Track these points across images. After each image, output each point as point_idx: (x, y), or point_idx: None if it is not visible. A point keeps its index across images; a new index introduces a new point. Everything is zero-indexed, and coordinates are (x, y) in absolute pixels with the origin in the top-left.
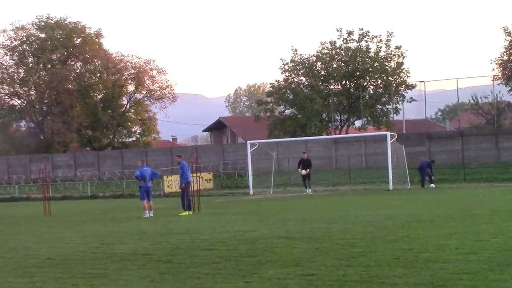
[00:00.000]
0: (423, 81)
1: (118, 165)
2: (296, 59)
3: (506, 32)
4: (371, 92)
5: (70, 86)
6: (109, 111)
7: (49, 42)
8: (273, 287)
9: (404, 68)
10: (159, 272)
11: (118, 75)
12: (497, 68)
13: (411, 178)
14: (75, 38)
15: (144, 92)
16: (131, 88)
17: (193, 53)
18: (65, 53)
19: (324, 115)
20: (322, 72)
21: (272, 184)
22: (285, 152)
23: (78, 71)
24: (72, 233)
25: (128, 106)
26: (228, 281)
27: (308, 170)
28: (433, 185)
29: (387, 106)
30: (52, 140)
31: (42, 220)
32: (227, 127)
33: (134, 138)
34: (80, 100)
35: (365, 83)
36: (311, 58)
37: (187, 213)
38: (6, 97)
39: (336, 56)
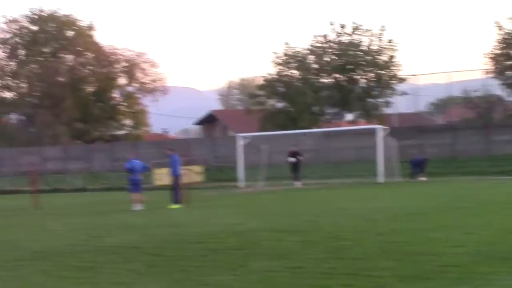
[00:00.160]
0: (415, 75)
1: (109, 158)
2: (288, 52)
3: (499, 27)
4: (363, 85)
5: (61, 79)
6: (101, 104)
7: (41, 35)
8: (261, 280)
9: (396, 62)
10: (147, 265)
11: (110, 68)
12: (489, 62)
13: (402, 171)
14: (67, 31)
15: (136, 85)
16: (123, 81)
17: (185, 46)
18: (57, 46)
19: (316, 108)
20: (314, 66)
21: (262, 177)
22: (276, 145)
23: (70, 64)
24: (60, 226)
25: (119, 99)
26: (216, 273)
27: (296, 159)
28: (424, 178)
29: (379, 100)
30: (43, 133)
31: (31, 213)
32: (218, 120)
33: (125, 131)
34: (72, 93)
35: (357, 77)
36: (303, 52)
37: (177, 206)
38: None
39: (329, 50)
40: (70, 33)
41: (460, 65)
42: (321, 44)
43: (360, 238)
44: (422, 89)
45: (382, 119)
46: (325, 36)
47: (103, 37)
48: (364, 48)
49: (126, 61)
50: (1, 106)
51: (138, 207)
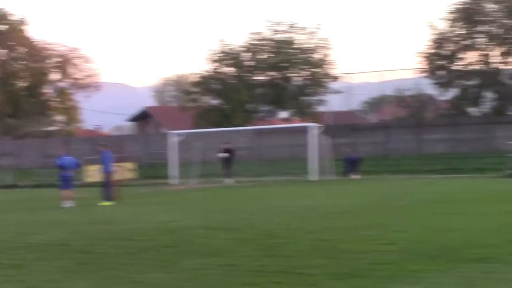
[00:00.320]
0: (348, 73)
1: (40, 155)
2: (223, 49)
3: (432, 27)
4: (297, 83)
5: None
6: (32, 99)
7: None
8: (192, 277)
9: (330, 60)
10: (77, 262)
11: (42, 63)
12: (421, 61)
13: (336, 169)
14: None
15: (68, 80)
16: (55, 76)
17: (118, 42)
18: None
19: (250, 106)
20: (250, 63)
21: (195, 174)
22: (210, 142)
23: (2, 58)
24: None
25: (52, 95)
26: (147, 271)
27: (229, 155)
28: (358, 176)
29: (313, 98)
30: None
31: None
32: (152, 117)
33: (57, 127)
34: (3, 87)
35: (291, 75)
36: (238, 49)
37: (108, 203)
38: None
39: (264, 48)
40: (2, 28)
41: (393, 64)
42: (257, 41)
43: (293, 236)
44: (356, 87)
45: (316, 117)
46: (260, 34)
47: (36, 32)
48: (298, 46)
49: (59, 56)
50: None
51: (68, 204)
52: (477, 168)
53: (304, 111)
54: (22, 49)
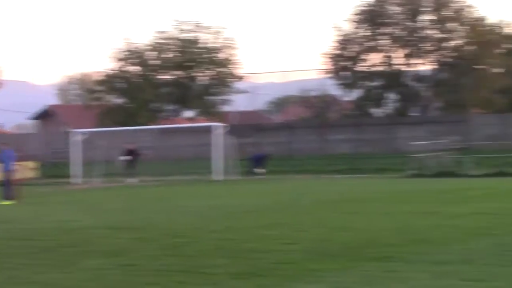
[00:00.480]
0: (254, 73)
1: None
2: (129, 48)
3: (337, 28)
4: (202, 83)
5: None
6: None
7: None
8: (92, 278)
9: (234, 60)
10: None
11: None
12: (326, 62)
13: (241, 169)
14: None
15: None
16: None
17: (19, 38)
18: None
19: (155, 105)
20: (155, 62)
21: (98, 173)
22: (114, 141)
23: None
24: None
25: None
26: (47, 271)
27: (132, 156)
28: (262, 176)
29: (218, 97)
30: None
31: None
32: (55, 115)
33: None
34: None
35: (196, 74)
36: (144, 48)
37: (8, 203)
38: None
39: (169, 47)
40: None
41: (298, 65)
42: (162, 40)
43: (196, 236)
44: (261, 87)
45: (221, 117)
46: (165, 33)
47: None
48: (204, 45)
49: None
50: None
51: None
52: (380, 169)
53: (209, 111)
54: None
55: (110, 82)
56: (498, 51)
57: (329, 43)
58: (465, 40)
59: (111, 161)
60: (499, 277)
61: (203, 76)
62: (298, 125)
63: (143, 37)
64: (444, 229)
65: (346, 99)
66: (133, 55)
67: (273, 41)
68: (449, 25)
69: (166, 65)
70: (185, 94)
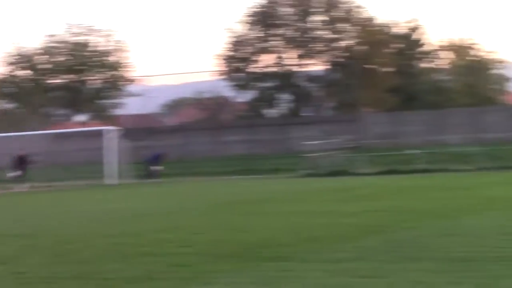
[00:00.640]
0: (147, 76)
1: None
2: (18, 52)
3: (230, 30)
4: (94, 86)
5: None
6: None
7: None
8: None
9: (126, 63)
10: None
11: None
12: (219, 64)
13: (135, 172)
14: None
15: None
16: None
17: None
18: None
19: (46, 109)
20: (45, 66)
21: None
22: (4, 147)
23: None
24: None
25: None
26: None
27: (20, 172)
28: (161, 168)
29: (110, 101)
30: None
31: None
32: None
33: None
34: None
35: (87, 78)
36: (34, 51)
37: None
38: None
39: (60, 50)
40: None
41: (192, 67)
42: (53, 44)
43: (89, 241)
44: (154, 90)
45: (114, 120)
46: (56, 36)
47: None
48: (94, 48)
49: None
50: None
51: None
52: (274, 169)
53: (102, 114)
54: None
55: (0, 87)
56: (388, 50)
57: (222, 45)
58: (355, 40)
59: (1, 168)
60: (391, 273)
61: (94, 80)
62: (192, 127)
63: (33, 40)
64: (337, 227)
65: (240, 100)
66: (23, 59)
67: (166, 43)
68: (340, 25)
69: (57, 69)
70: (77, 98)
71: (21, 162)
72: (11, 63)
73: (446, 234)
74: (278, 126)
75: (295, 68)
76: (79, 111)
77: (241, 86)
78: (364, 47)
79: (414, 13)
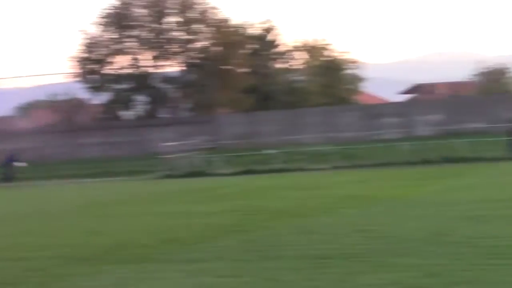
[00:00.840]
0: None
1: None
2: None
3: (83, 32)
4: None
5: None
6: None
7: None
8: None
9: None
10: None
11: None
12: (74, 66)
13: None
14: None
15: None
16: None
17: None
18: None
19: None
20: None
21: None
22: None
23: None
24: None
25: None
26: None
27: None
28: (24, 164)
29: None
30: None
31: None
32: None
33: None
34: None
35: None
36: None
37: None
38: None
39: None
40: None
41: (46, 69)
42: None
43: None
44: (7, 93)
45: None
46: None
47: None
48: None
49: None
50: None
51: None
52: (132, 171)
53: None
54: None
55: None
56: (243, 51)
57: (76, 47)
58: (211, 41)
59: None
60: (248, 272)
61: None
62: (47, 130)
63: None
64: (196, 228)
65: (96, 102)
66: None
67: (19, 45)
68: (195, 26)
69: None
70: None
71: None
72: None
73: (302, 232)
74: (135, 128)
75: (150, 70)
76: None
77: (96, 88)
78: (219, 48)
79: (268, 15)
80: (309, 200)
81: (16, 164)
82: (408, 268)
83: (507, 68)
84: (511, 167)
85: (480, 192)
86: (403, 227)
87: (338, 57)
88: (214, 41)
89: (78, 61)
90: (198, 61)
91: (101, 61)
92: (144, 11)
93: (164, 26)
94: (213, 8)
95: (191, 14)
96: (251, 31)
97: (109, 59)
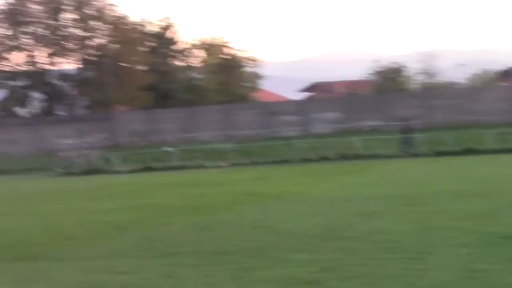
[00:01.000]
0: None
1: None
2: None
3: None
4: None
5: None
6: None
7: None
8: None
9: None
10: None
11: None
12: None
13: None
14: None
15: None
16: None
17: None
18: None
19: None
20: None
21: None
22: None
23: None
24: None
25: None
26: None
27: None
28: None
29: None
30: None
31: None
32: None
33: None
34: None
35: None
36: None
37: None
38: None
39: None
40: None
41: None
42: None
43: None
44: None
45: None
46: None
47: None
48: None
49: None
50: None
51: None
52: (28, 169)
53: None
54: None
55: None
56: (141, 49)
57: None
58: (108, 39)
59: None
60: (146, 269)
61: None
62: None
63: None
64: (93, 225)
65: None
66: None
67: None
68: (92, 23)
69: None
70: None
71: None
72: None
73: (200, 229)
74: (31, 126)
75: (47, 67)
76: None
77: None
78: (117, 46)
79: (166, 12)
80: (207, 197)
81: None
82: (304, 263)
83: (402, 67)
84: (404, 164)
85: (376, 188)
86: (300, 224)
87: (237, 55)
88: (112, 38)
89: None
90: (95, 58)
91: None
92: (40, 7)
93: (60, 23)
94: (111, 5)
95: (88, 11)
96: (149, 28)
97: (4, 56)
